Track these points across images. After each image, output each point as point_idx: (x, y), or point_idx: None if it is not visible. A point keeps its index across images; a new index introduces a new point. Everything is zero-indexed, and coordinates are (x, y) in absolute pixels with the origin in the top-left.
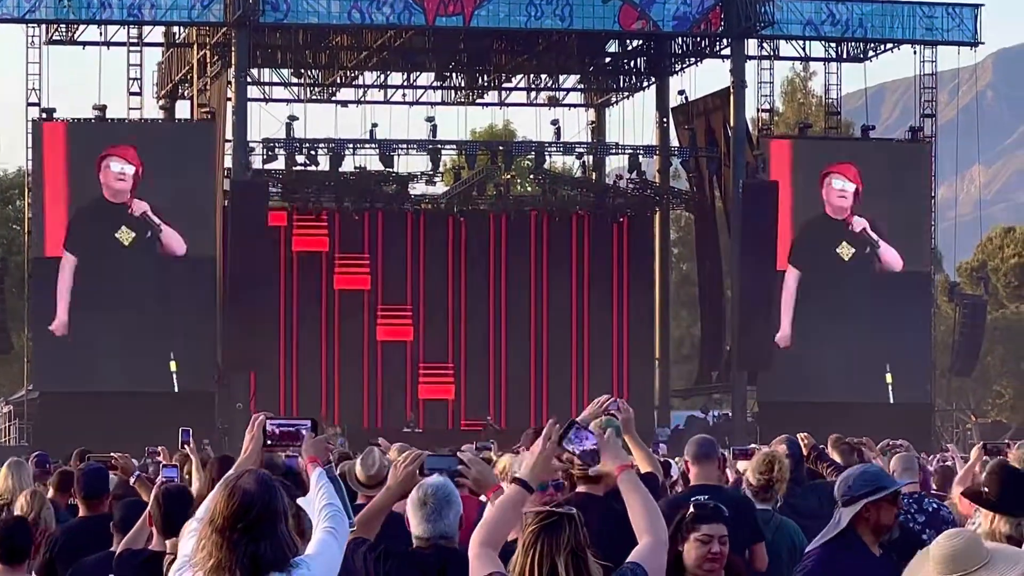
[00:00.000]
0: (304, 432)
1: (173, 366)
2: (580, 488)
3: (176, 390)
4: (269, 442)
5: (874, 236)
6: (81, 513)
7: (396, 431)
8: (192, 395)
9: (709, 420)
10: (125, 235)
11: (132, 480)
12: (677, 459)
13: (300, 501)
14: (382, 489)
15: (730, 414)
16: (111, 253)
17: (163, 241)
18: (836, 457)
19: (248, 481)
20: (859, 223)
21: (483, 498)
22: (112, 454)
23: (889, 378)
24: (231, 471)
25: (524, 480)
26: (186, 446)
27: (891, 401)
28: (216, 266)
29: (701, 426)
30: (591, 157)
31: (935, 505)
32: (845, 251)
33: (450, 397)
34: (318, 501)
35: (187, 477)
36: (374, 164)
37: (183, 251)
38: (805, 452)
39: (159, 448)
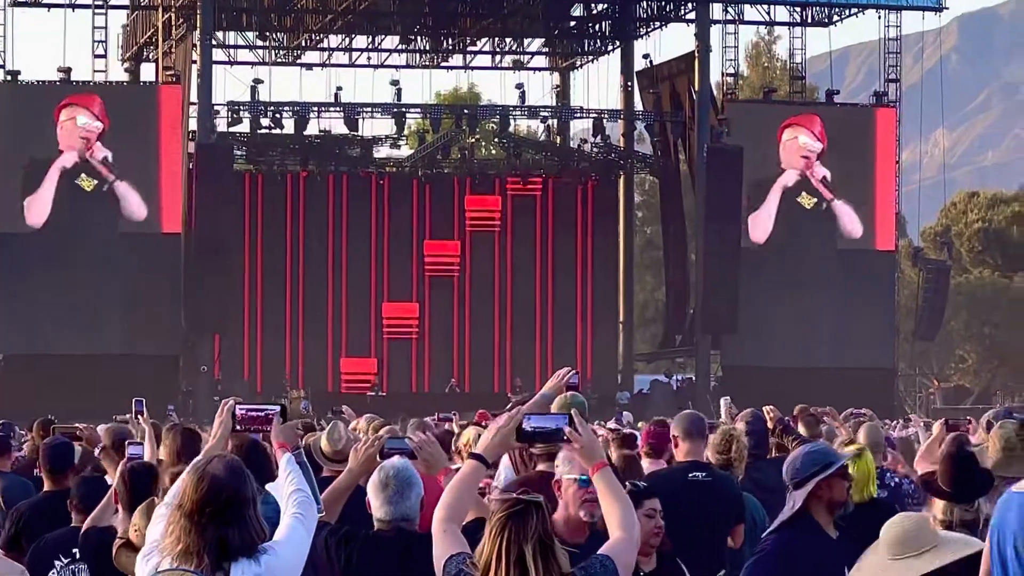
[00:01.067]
0: (273, 417)
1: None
2: (541, 467)
3: (139, 353)
4: (238, 427)
5: (827, 194)
6: (46, 487)
7: (360, 395)
8: (156, 359)
9: (673, 384)
10: (86, 182)
11: (97, 452)
12: (641, 424)
13: (269, 486)
14: (344, 469)
15: (694, 378)
16: (75, 212)
17: (119, 195)
18: (801, 428)
19: (217, 467)
20: (819, 171)
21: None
22: (77, 425)
23: (852, 342)
24: (200, 456)
25: (481, 455)
26: (139, 416)
27: (855, 366)
28: (181, 229)
29: (664, 391)
30: (555, 121)
31: (896, 479)
32: (806, 200)
33: (412, 361)
34: (287, 487)
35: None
36: (339, 127)
37: (143, 215)
38: (771, 426)
39: (126, 416)
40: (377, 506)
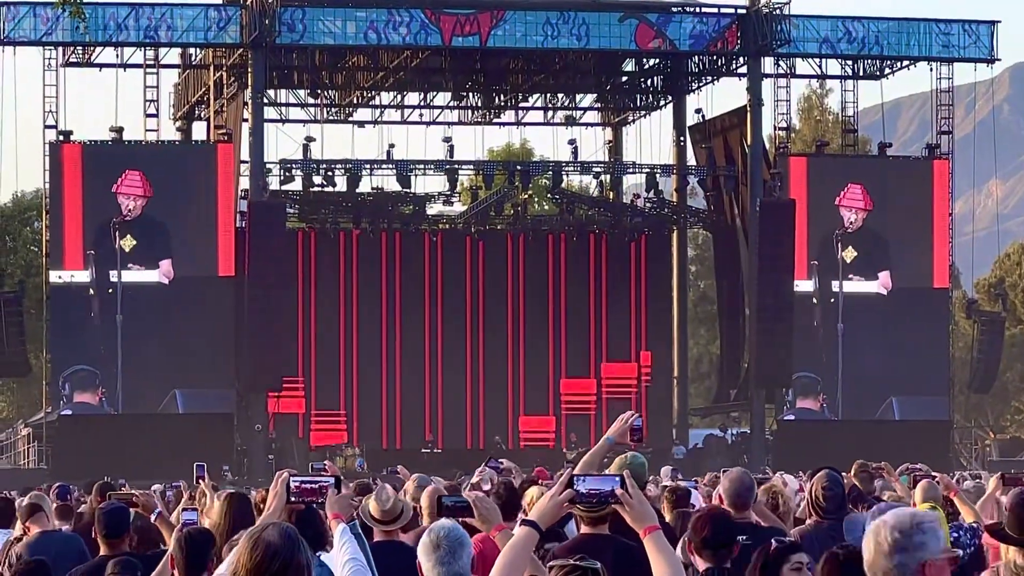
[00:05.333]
0: (328, 489)
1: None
2: (585, 529)
3: (195, 412)
4: (292, 498)
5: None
6: (102, 551)
7: (415, 452)
8: (210, 417)
9: (728, 438)
10: (127, 243)
11: (153, 518)
12: (697, 479)
13: (324, 556)
14: (395, 529)
15: (749, 432)
16: (125, 288)
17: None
18: (856, 483)
19: (272, 534)
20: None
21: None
22: (134, 492)
23: (907, 394)
24: (256, 525)
25: (534, 522)
26: (201, 481)
27: (909, 418)
28: (233, 287)
29: (720, 445)
30: (608, 176)
31: (956, 534)
32: (848, 254)
33: (467, 417)
34: (341, 556)
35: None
36: (391, 184)
37: (212, 319)
38: (846, 491)
39: (180, 483)
40: (428, 568)
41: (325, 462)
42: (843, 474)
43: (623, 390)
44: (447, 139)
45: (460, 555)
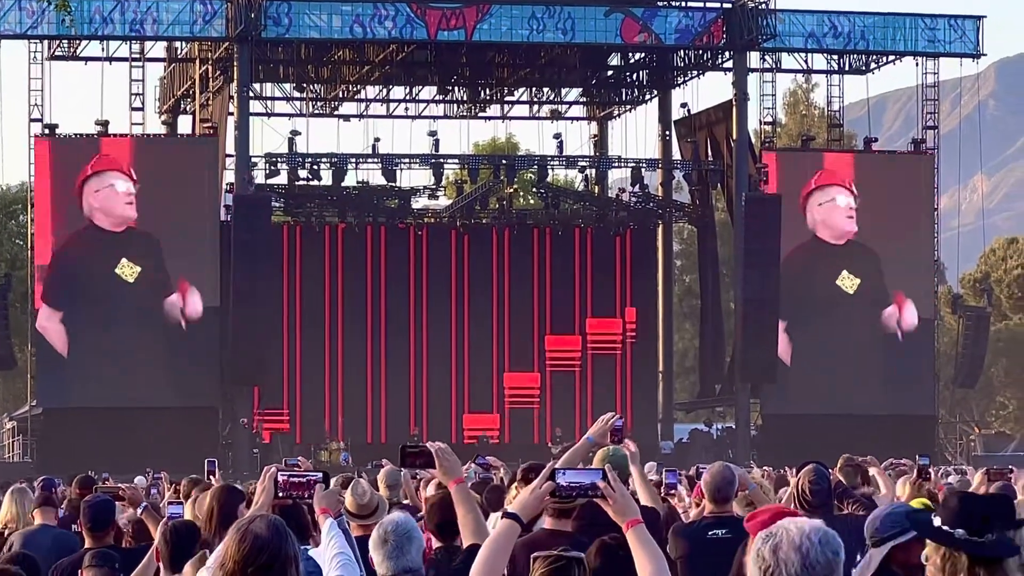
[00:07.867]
0: (316, 483)
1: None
2: (548, 523)
3: (178, 405)
4: (280, 493)
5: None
6: (87, 544)
7: (400, 446)
8: (194, 410)
9: (713, 433)
10: (128, 270)
11: (139, 512)
12: (682, 472)
13: (312, 551)
14: (372, 519)
15: (734, 427)
16: (110, 280)
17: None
18: (840, 478)
19: (259, 525)
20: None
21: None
22: (120, 486)
23: (892, 389)
24: (243, 517)
25: (515, 514)
26: (212, 476)
27: (895, 413)
28: (219, 279)
29: (705, 440)
30: (594, 170)
31: None
32: (847, 282)
33: (452, 411)
34: (329, 550)
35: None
36: (377, 178)
37: (198, 313)
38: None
39: (162, 473)
40: (378, 562)
41: (299, 457)
42: (830, 469)
43: (609, 384)
44: (432, 133)
45: (408, 549)
